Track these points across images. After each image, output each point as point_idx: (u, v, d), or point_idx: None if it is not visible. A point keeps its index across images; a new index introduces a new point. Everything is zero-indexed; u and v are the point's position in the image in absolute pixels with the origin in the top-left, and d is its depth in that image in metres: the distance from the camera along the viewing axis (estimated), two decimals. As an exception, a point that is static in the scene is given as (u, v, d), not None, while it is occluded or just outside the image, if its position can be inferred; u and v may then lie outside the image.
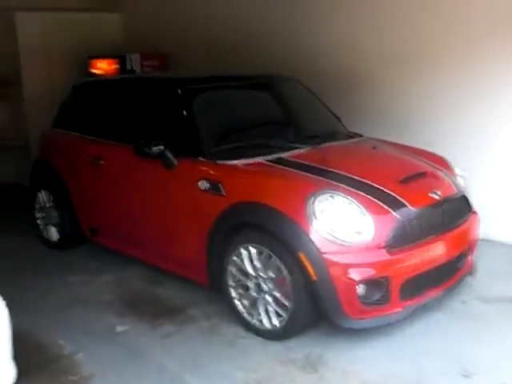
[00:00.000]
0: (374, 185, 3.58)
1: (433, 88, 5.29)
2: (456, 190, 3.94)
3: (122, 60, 6.98)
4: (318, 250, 3.30)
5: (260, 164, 3.81)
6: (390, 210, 3.46)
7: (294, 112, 4.55)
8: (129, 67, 6.88)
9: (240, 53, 6.48)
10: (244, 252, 3.63)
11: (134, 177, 4.36)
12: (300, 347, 3.54)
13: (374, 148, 4.27)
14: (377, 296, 3.40)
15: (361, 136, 4.56)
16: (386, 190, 3.55)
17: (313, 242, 3.31)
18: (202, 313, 4.04)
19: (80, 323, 3.97)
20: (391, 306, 3.44)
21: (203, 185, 3.81)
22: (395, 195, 3.54)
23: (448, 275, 3.81)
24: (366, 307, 3.39)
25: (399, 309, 3.47)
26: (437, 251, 3.60)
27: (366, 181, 3.60)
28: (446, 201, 3.76)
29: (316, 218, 3.33)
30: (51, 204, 5.23)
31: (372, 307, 3.41)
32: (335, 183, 3.53)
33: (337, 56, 5.76)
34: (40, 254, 5.30)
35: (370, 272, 3.34)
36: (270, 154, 3.91)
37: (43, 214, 5.37)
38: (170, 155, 3.98)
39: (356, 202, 3.41)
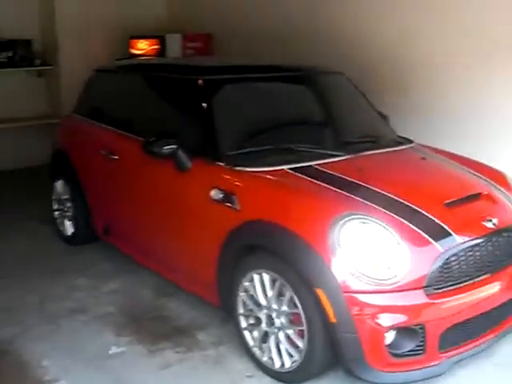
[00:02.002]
0: (415, 207, 2.95)
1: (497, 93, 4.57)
2: (516, 217, 3.26)
3: (162, 41, 6.48)
4: (339, 287, 2.71)
5: (283, 173, 3.23)
6: (431, 240, 2.83)
7: (335, 112, 3.92)
8: (171, 49, 6.36)
9: (290, 43, 5.92)
10: (257, 278, 3.09)
11: (145, 176, 3.86)
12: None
13: (423, 159, 3.61)
14: (409, 346, 2.80)
15: (411, 142, 3.91)
16: (428, 215, 2.92)
17: (334, 277, 2.72)
18: (211, 338, 3.53)
19: (72, 339, 3.52)
20: (427, 359, 2.82)
21: (216, 194, 3.26)
22: (440, 222, 2.91)
23: (500, 319, 3.14)
24: (395, 359, 2.79)
25: (437, 362, 2.84)
26: (489, 293, 2.95)
27: (406, 202, 2.97)
28: (503, 231, 3.09)
29: (341, 248, 2.74)
30: (67, 196, 4.84)
31: (403, 359, 2.80)
32: (368, 204, 2.92)
33: (391, 51, 5.09)
34: (53, 248, 4.91)
35: (402, 318, 2.73)
36: (298, 161, 3.33)
37: (60, 206, 4.98)
38: (183, 156, 3.46)
39: (391, 229, 2.79)
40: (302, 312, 2.86)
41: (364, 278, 2.73)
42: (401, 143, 3.85)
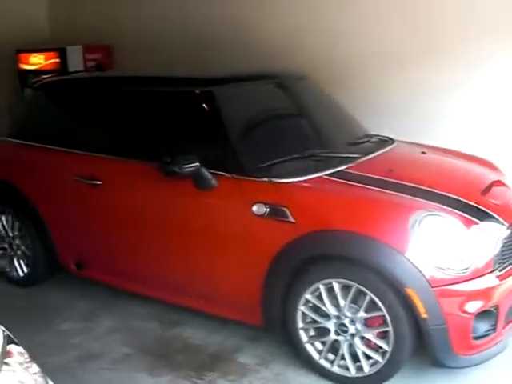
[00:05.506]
0: (464, 200, 3.13)
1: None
2: (523, 200, 3.61)
3: (61, 53, 5.95)
4: (428, 282, 2.81)
5: (325, 181, 3.22)
6: (489, 228, 3.04)
7: (328, 116, 3.98)
8: (72, 62, 5.87)
9: (197, 50, 5.80)
10: (323, 288, 3.05)
11: (151, 200, 3.56)
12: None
13: (423, 153, 3.81)
14: (486, 327, 2.98)
15: (392, 139, 4.09)
16: (479, 207, 3.12)
17: (422, 274, 2.80)
18: (254, 358, 3.40)
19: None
20: (497, 336, 3.03)
21: (260, 209, 3.14)
22: (489, 211, 3.12)
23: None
24: (475, 342, 2.96)
25: (502, 337, 3.07)
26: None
27: (455, 196, 3.14)
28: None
29: (424, 245, 2.83)
30: (17, 233, 4.28)
31: (480, 341, 2.98)
32: (428, 201, 3.04)
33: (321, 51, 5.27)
34: (8, 294, 4.29)
35: (483, 302, 2.90)
36: (328, 167, 3.33)
37: (4, 245, 4.38)
38: (207, 174, 3.27)
39: (461, 222, 2.95)
40: (386, 313, 2.90)
41: (448, 270, 2.84)
42: (390, 140, 4.01)
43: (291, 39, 5.36)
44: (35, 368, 2.03)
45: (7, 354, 1.98)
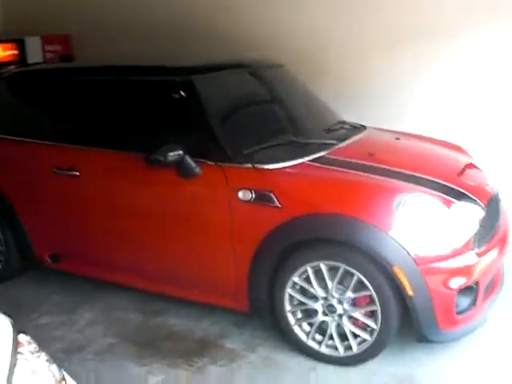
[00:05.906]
0: (447, 184, 3.23)
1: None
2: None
3: (20, 44, 5.80)
4: (413, 260, 2.91)
5: (310, 166, 3.28)
6: (469, 208, 3.15)
7: (303, 103, 4.04)
8: (31, 53, 5.73)
9: (158, 38, 5.73)
10: (311, 271, 3.11)
11: (131, 190, 3.55)
12: (383, 369, 3.14)
13: (397, 139, 3.92)
14: (467, 303, 3.12)
15: (363, 126, 4.18)
16: (458, 189, 3.23)
17: (408, 253, 2.91)
18: (241, 344, 3.43)
19: (99, 382, 3.13)
20: (477, 310, 3.18)
21: (246, 195, 3.18)
22: (467, 193, 3.24)
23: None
24: (458, 317, 3.08)
25: (481, 311, 3.22)
26: (497, 251, 3.36)
27: (436, 179, 3.24)
28: (496, 195, 3.56)
29: (408, 225, 2.93)
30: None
31: (462, 315, 3.11)
32: (413, 184, 3.13)
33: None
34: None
35: (466, 278, 3.02)
36: (310, 153, 3.38)
37: (-28, 241, 4.26)
38: (190, 162, 3.28)
39: (443, 203, 3.06)
40: (373, 292, 2.99)
41: (432, 248, 2.96)
42: (362, 127, 4.10)
43: (267, 29, 5.37)
44: (44, 356, 2.01)
45: (17, 344, 1.95)
